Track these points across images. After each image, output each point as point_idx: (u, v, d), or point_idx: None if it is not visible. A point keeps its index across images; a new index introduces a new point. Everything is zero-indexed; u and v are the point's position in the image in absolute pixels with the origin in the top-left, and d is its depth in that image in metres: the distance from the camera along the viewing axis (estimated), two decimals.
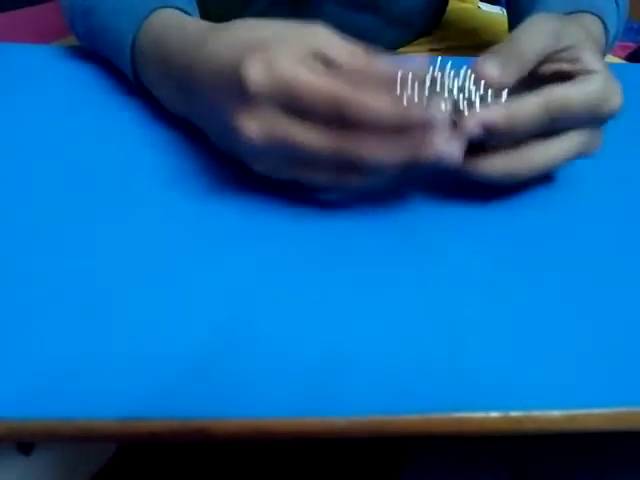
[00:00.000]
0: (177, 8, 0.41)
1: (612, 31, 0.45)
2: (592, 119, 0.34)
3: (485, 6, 1.09)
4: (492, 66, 0.33)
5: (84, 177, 0.37)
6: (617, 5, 0.47)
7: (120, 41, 0.41)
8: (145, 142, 0.40)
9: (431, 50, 0.69)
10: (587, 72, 0.33)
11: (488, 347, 0.29)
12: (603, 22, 0.43)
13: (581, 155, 0.35)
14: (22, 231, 0.33)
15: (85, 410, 0.25)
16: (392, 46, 0.66)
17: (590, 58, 0.34)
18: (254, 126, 0.30)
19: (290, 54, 0.29)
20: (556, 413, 0.27)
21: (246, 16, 0.36)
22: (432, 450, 0.65)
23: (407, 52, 0.68)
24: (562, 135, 0.34)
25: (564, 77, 0.34)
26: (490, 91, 0.33)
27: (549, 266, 0.33)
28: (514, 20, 0.53)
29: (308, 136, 0.30)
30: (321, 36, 0.31)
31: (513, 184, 0.36)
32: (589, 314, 0.31)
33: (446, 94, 0.33)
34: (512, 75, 0.33)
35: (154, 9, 0.40)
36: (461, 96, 0.32)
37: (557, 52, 0.34)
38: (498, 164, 0.33)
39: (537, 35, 0.34)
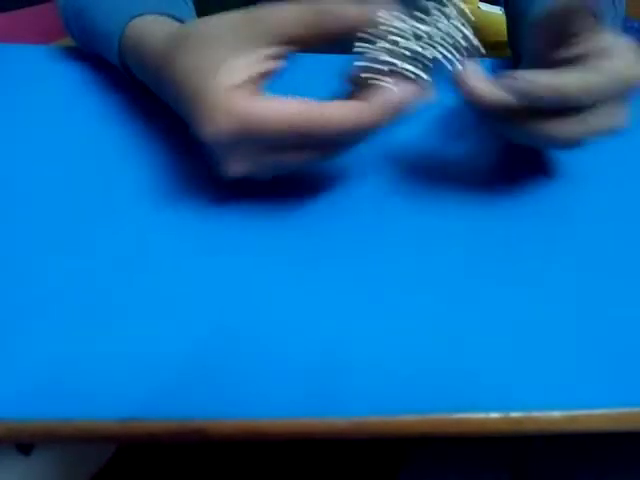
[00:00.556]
0: (160, 13, 0.40)
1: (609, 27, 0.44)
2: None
3: (485, 6, 1.08)
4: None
5: (84, 177, 0.37)
6: (614, 5, 0.46)
7: (108, 44, 0.41)
8: (145, 142, 0.40)
9: None
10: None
11: (488, 348, 0.29)
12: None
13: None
14: (22, 232, 0.33)
15: (84, 411, 0.25)
16: None
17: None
18: (240, 165, 0.31)
19: (235, 90, 0.29)
20: (556, 414, 0.27)
21: None
22: (432, 450, 0.65)
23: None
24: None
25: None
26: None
27: (549, 267, 0.33)
28: (511, 20, 0.52)
29: (294, 157, 0.31)
30: (275, 30, 0.30)
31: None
32: (589, 315, 0.31)
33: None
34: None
35: (137, 15, 0.40)
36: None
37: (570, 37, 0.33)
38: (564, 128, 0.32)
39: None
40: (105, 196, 0.36)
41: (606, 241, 0.35)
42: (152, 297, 0.30)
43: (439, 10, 0.31)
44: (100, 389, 0.26)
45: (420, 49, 0.30)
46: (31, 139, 0.40)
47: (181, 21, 0.41)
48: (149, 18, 0.39)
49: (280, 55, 0.31)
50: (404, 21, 0.30)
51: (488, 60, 0.51)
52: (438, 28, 0.31)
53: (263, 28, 0.30)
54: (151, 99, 0.42)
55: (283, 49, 0.31)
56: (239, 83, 0.29)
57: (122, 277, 0.31)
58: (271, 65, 0.31)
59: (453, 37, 0.31)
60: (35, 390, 0.26)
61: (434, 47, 0.30)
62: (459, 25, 0.31)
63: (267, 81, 0.31)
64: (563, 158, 0.41)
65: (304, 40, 0.30)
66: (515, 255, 0.34)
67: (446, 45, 0.31)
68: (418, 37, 0.30)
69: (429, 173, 0.39)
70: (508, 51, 0.53)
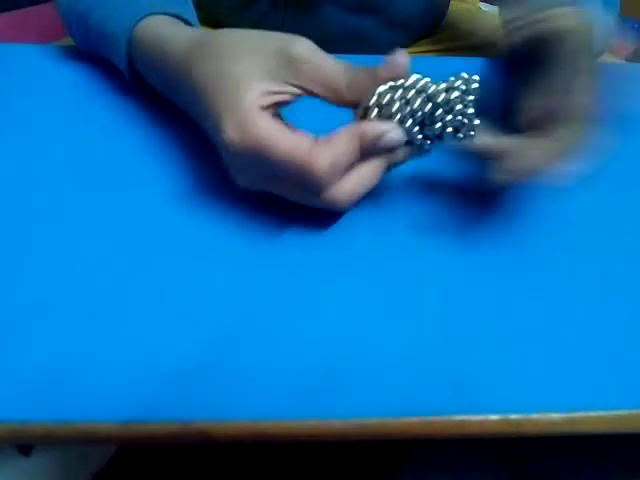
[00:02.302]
0: (167, 14, 0.40)
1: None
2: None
3: (485, 6, 1.08)
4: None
5: (85, 177, 0.37)
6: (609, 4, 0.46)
7: (115, 46, 0.41)
8: (145, 142, 0.40)
9: (431, 51, 0.68)
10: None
11: (488, 350, 0.29)
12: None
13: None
14: (21, 232, 0.33)
15: (85, 413, 0.25)
16: (392, 48, 0.66)
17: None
18: (245, 180, 0.32)
19: (259, 110, 0.30)
20: (556, 416, 0.27)
21: (247, 18, 0.36)
22: (432, 450, 0.65)
23: (407, 54, 0.67)
24: None
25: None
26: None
27: (548, 270, 0.33)
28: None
29: (291, 192, 0.32)
30: (299, 67, 0.31)
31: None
32: (589, 318, 0.31)
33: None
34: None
35: (144, 16, 0.39)
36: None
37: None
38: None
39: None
40: (105, 197, 0.36)
41: (606, 244, 0.35)
42: (154, 300, 0.30)
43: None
44: (101, 391, 0.26)
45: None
46: (31, 139, 0.40)
47: (187, 22, 0.41)
48: (158, 19, 0.39)
49: (298, 95, 0.32)
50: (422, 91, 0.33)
51: (488, 60, 0.51)
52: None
53: (297, 70, 0.31)
54: (151, 99, 0.42)
55: (303, 93, 0.32)
56: (266, 105, 0.30)
57: (123, 279, 0.31)
58: (289, 98, 0.32)
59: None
60: (36, 392, 0.26)
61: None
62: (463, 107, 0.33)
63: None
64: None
65: (324, 97, 0.32)
66: (514, 259, 0.34)
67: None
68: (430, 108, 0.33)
69: (430, 185, 0.39)
70: None
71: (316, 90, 0.31)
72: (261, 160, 0.30)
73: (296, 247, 0.33)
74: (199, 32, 0.37)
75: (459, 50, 0.68)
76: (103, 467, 0.65)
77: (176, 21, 0.40)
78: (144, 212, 0.35)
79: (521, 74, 0.37)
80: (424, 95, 0.32)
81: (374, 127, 0.31)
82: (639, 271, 0.34)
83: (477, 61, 0.51)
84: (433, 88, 0.32)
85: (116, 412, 0.25)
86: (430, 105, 0.32)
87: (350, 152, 0.30)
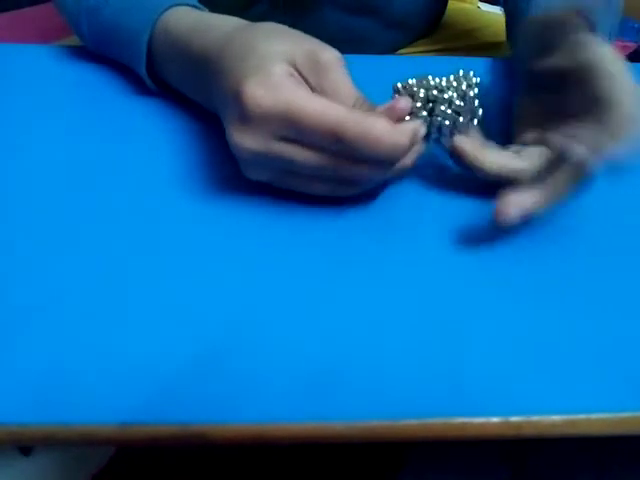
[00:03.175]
0: (190, 5, 0.40)
1: (604, 30, 0.44)
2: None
3: (485, 6, 1.08)
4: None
5: (84, 178, 0.37)
6: (610, 4, 0.46)
7: (133, 38, 0.40)
8: (146, 142, 0.40)
9: (430, 51, 0.68)
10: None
11: (488, 353, 0.29)
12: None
13: None
14: (21, 233, 0.33)
15: (84, 415, 0.25)
16: (391, 48, 0.66)
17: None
18: (249, 143, 0.31)
19: (289, 76, 0.31)
20: (556, 418, 0.27)
21: (246, 19, 0.36)
22: (432, 450, 0.65)
23: (406, 54, 0.67)
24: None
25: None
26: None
27: (548, 271, 0.33)
28: (510, 20, 0.52)
29: (304, 157, 0.31)
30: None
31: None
32: (589, 320, 0.31)
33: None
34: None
35: (169, 7, 0.40)
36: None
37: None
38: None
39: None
40: (105, 197, 0.36)
41: (605, 246, 0.35)
42: (153, 302, 0.30)
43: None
44: (101, 393, 0.26)
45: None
46: (31, 139, 0.40)
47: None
48: (181, 10, 0.40)
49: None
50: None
51: (488, 60, 0.51)
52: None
53: (319, 73, 0.32)
54: (153, 98, 0.42)
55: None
56: (294, 75, 0.31)
57: (122, 282, 0.31)
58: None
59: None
60: (36, 394, 0.26)
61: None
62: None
63: None
64: None
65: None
66: (514, 260, 0.34)
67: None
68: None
69: (437, 182, 0.39)
70: (508, 51, 0.53)
71: (325, 96, 0.32)
72: (287, 118, 0.30)
73: (295, 250, 0.33)
74: (236, 23, 0.37)
75: (457, 50, 0.68)
76: (103, 467, 0.65)
77: (203, 12, 0.40)
78: (142, 214, 0.35)
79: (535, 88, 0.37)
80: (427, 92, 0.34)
81: (408, 124, 0.31)
82: (639, 272, 0.34)
83: (476, 61, 0.51)
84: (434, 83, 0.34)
85: (115, 414, 0.25)
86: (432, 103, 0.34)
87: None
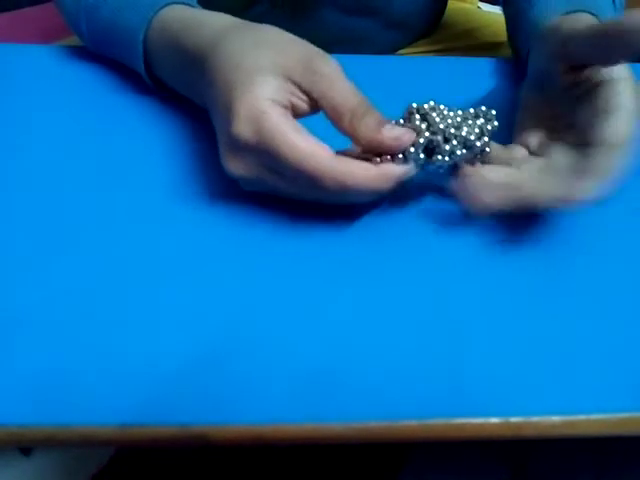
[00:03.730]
0: (186, 4, 0.40)
1: None
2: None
3: (485, 6, 1.08)
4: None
5: (85, 178, 0.37)
6: (614, 4, 0.46)
7: (130, 37, 0.41)
8: (146, 143, 0.40)
9: (430, 51, 0.68)
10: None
11: (488, 353, 0.29)
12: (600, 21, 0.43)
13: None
14: (21, 233, 0.33)
15: (85, 416, 0.25)
16: (391, 48, 0.66)
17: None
18: (238, 169, 0.32)
19: (277, 107, 0.30)
20: (556, 419, 0.27)
21: (246, 19, 0.36)
22: (432, 450, 0.65)
23: (406, 54, 0.67)
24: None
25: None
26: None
27: (548, 272, 0.33)
28: (510, 20, 0.52)
29: (288, 186, 0.32)
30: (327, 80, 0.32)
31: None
32: (588, 321, 0.31)
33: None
34: None
35: (165, 5, 0.40)
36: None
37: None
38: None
39: None
40: (105, 196, 0.36)
41: (605, 245, 0.35)
42: (153, 303, 0.30)
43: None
44: (101, 394, 0.26)
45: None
46: (31, 139, 0.40)
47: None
48: (179, 8, 0.40)
49: (306, 106, 0.32)
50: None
51: (488, 60, 0.51)
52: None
53: (315, 82, 0.31)
54: (154, 98, 0.42)
55: (311, 105, 0.32)
56: (279, 100, 0.31)
57: (123, 281, 0.31)
58: (301, 105, 0.32)
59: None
60: (36, 395, 0.26)
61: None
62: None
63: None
64: None
65: (329, 118, 0.32)
66: (513, 261, 0.34)
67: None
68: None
69: (437, 182, 0.39)
70: (508, 51, 0.53)
71: (324, 108, 0.32)
72: (269, 156, 0.30)
73: (294, 251, 0.33)
74: (229, 21, 0.36)
75: (457, 50, 0.68)
76: (103, 468, 0.65)
77: (198, 10, 0.40)
78: (142, 214, 0.35)
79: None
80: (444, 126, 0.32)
81: (393, 169, 0.31)
82: (639, 273, 0.34)
83: (476, 61, 0.51)
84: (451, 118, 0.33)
85: (116, 415, 0.25)
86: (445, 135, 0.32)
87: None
